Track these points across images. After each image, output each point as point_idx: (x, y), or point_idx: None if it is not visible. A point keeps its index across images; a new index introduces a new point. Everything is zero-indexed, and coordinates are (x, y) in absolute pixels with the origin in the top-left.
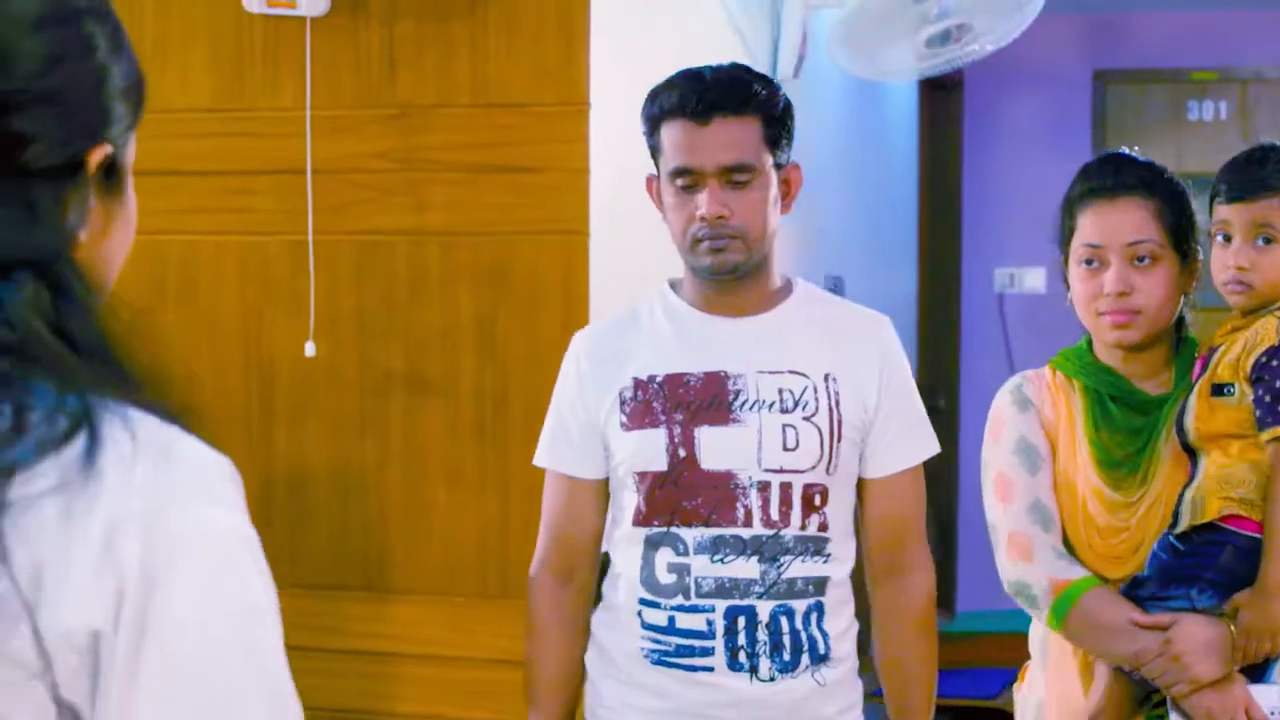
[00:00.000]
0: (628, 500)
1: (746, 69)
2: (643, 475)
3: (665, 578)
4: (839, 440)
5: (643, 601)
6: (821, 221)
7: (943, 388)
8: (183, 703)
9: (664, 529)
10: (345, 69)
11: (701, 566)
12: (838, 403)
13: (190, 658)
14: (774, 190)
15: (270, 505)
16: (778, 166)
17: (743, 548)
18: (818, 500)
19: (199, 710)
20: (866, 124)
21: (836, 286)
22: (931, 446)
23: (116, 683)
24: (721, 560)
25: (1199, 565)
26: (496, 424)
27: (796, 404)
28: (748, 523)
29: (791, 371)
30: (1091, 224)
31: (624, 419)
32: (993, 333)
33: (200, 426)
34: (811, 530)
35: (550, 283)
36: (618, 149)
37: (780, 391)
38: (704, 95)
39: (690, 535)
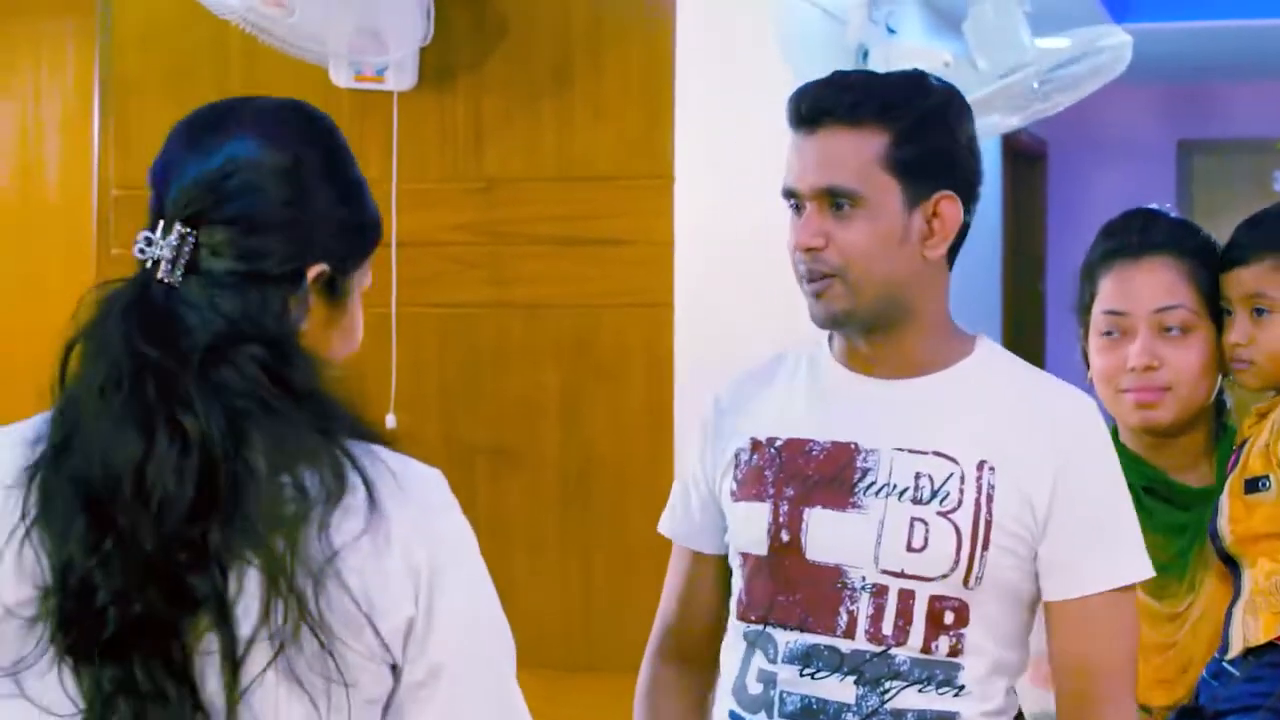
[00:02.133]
0: (736, 586)
1: (913, 74)
2: (745, 557)
3: (754, 687)
4: (985, 547)
5: (732, 716)
6: None
7: None
8: (465, 645)
9: (760, 626)
10: (431, 143)
11: (789, 679)
12: (990, 499)
13: (467, 615)
14: (899, 224)
15: None
16: (916, 198)
17: (838, 663)
18: (950, 618)
19: (478, 647)
20: None
21: None
22: (1139, 569)
23: (419, 644)
24: (811, 675)
25: (1259, 693)
26: (580, 495)
27: (934, 494)
28: (849, 633)
29: (936, 453)
30: (1114, 288)
31: (734, 486)
32: None
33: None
34: (939, 654)
35: (634, 355)
36: (703, 221)
37: (918, 476)
38: (810, 95)
39: (783, 639)
